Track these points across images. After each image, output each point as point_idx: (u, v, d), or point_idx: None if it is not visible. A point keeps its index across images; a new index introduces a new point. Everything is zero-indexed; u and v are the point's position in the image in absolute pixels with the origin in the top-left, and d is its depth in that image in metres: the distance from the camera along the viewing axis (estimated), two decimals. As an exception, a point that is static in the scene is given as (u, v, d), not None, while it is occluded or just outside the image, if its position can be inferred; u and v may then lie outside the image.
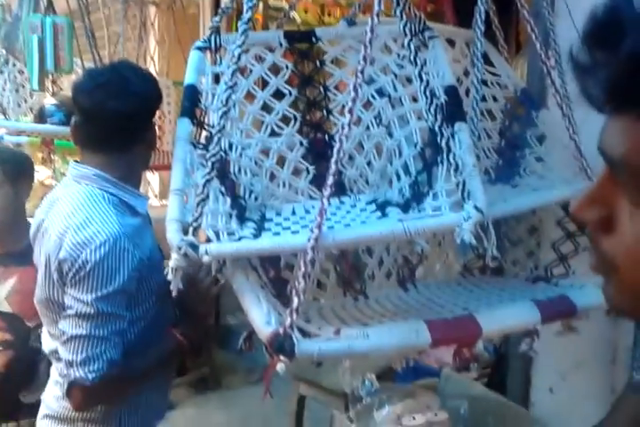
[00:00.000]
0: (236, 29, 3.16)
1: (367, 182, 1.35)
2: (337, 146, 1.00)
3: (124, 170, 1.50)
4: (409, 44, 1.06)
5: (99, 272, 1.37)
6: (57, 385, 1.53)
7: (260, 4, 3.68)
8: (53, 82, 2.98)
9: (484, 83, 1.61)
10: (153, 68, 3.31)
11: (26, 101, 3.04)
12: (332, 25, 4.01)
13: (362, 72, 0.99)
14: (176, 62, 3.09)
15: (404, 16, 1.07)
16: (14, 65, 2.88)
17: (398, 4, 1.07)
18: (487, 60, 1.65)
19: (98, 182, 1.47)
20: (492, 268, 1.60)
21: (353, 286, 1.46)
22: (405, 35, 1.07)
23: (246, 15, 1.03)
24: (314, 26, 3.97)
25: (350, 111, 1.00)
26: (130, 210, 1.50)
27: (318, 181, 1.35)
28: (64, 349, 1.40)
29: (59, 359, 1.46)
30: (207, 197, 1.04)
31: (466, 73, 1.56)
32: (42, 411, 1.58)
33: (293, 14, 3.46)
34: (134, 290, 1.43)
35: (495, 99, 1.60)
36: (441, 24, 1.90)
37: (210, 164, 1.04)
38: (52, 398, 1.55)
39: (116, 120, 1.44)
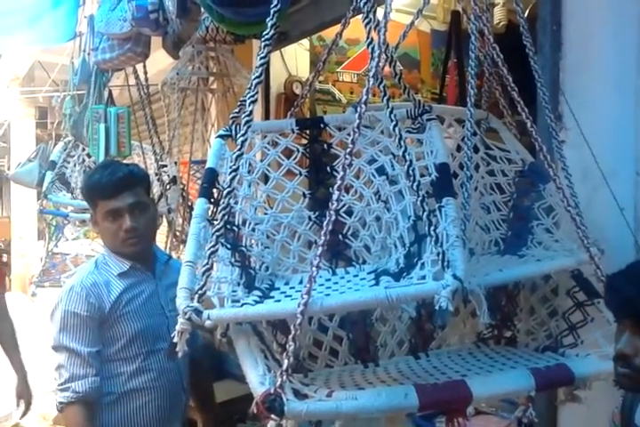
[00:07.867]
0: (285, 114, 3.33)
1: (371, 253, 1.44)
2: (327, 219, 1.10)
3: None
4: (394, 129, 1.17)
5: (56, 311, 1.81)
6: None
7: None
8: (114, 164, 3.26)
9: (494, 158, 1.70)
10: (209, 148, 3.56)
11: (91, 182, 3.30)
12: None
13: (349, 165, 1.11)
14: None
15: (390, 105, 1.19)
16: (83, 149, 3.19)
17: (385, 94, 1.20)
18: (498, 136, 1.75)
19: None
20: (507, 338, 1.63)
21: (365, 354, 1.52)
22: (392, 120, 1.19)
23: (248, 108, 1.19)
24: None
25: (339, 188, 1.11)
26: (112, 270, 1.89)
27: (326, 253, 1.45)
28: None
29: None
30: (211, 267, 1.16)
31: (476, 149, 1.66)
32: None
33: (340, 96, 3.69)
34: (95, 329, 1.79)
35: (504, 173, 1.68)
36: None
37: (214, 237, 1.16)
38: None
39: None
